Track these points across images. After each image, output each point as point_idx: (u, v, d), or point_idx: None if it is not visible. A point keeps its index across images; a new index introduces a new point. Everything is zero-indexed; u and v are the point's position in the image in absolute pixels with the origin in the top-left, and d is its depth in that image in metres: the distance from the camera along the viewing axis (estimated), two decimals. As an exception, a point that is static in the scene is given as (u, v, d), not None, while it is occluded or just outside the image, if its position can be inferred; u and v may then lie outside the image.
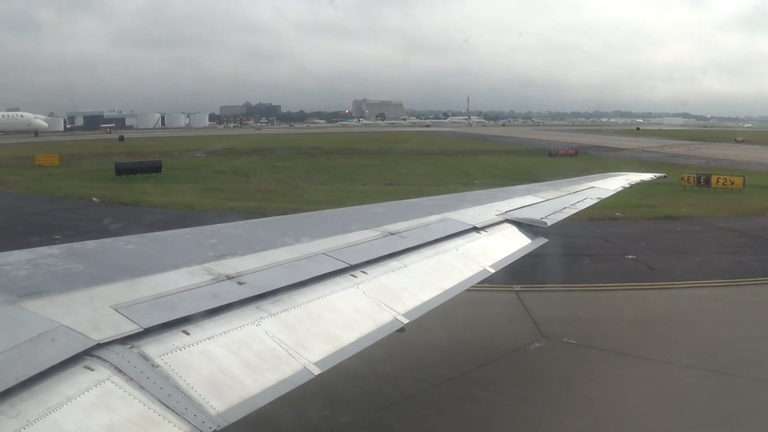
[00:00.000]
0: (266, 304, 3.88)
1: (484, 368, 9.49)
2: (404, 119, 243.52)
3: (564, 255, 16.49)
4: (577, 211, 9.04)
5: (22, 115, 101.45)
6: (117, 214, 24.18)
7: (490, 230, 6.91)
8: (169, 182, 36.00)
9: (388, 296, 4.60)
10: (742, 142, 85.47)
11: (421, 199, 9.29)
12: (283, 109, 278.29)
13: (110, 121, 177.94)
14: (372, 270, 4.89)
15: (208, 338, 3.37)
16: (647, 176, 13.68)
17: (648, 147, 72.52)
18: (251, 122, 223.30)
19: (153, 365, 2.98)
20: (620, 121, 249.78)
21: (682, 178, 31.93)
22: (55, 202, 28.19)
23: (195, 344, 3.27)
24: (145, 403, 2.75)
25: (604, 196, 10.49)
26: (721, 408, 8.39)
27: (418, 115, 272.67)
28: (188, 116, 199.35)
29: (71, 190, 31.39)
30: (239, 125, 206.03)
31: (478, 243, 6.42)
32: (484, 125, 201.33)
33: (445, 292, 5.09)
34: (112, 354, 2.94)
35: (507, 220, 7.38)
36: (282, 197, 29.41)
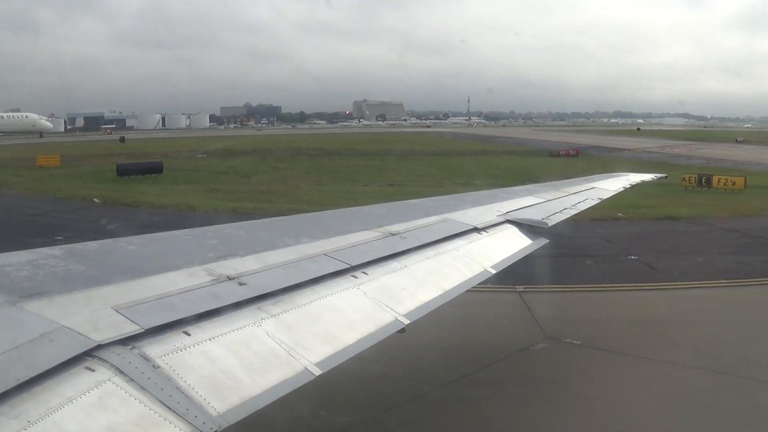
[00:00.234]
0: (267, 305, 3.88)
1: (487, 369, 9.47)
2: (404, 120, 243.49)
3: (566, 256, 16.49)
4: (578, 211, 9.03)
5: (27, 116, 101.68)
6: (119, 215, 24.21)
7: (491, 231, 6.90)
8: (171, 183, 36.03)
9: (389, 297, 4.59)
10: (742, 142, 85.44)
11: (422, 199, 9.29)
12: (284, 110, 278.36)
13: (111, 122, 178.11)
14: (373, 271, 4.89)
15: (209, 339, 3.36)
16: (648, 177, 13.66)
17: (649, 147, 72.50)
18: (252, 123, 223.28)
19: (154, 366, 2.98)
20: (621, 121, 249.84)
21: (684, 179, 31.91)
22: (57, 203, 28.21)
23: (196, 345, 3.27)
24: (146, 403, 2.75)
25: (605, 196, 10.48)
26: (724, 409, 8.37)
27: (419, 116, 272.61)
28: (189, 117, 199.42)
29: (73, 191, 31.41)
30: (240, 126, 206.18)
31: (478, 244, 6.41)
32: (485, 126, 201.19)
33: (446, 292, 5.09)
34: (113, 355, 2.94)
35: (508, 221, 7.36)
36: (283, 198, 29.43)
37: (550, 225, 7.65)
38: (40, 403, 2.53)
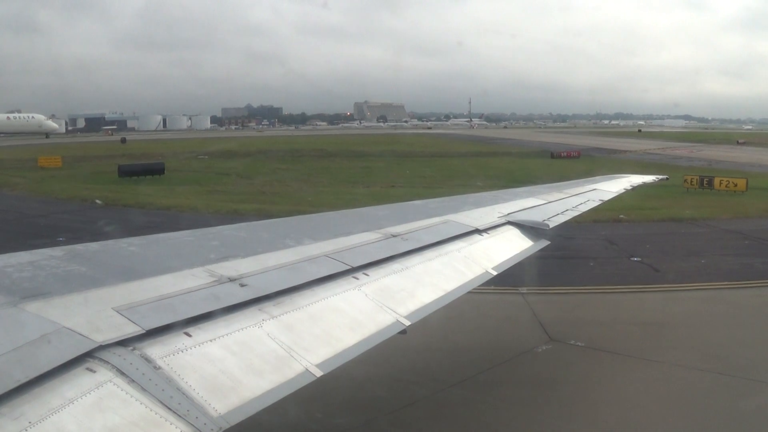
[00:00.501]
0: (268, 306, 3.87)
1: (491, 371, 9.45)
2: (406, 121, 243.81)
3: (569, 257, 16.48)
4: (580, 213, 9.01)
5: (33, 117, 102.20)
6: (120, 216, 24.25)
7: (493, 232, 6.88)
8: (172, 184, 36.06)
9: (390, 298, 4.58)
10: (743, 144, 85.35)
11: (423, 201, 9.27)
12: (285, 111, 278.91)
13: (112, 123, 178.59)
14: (374, 272, 4.87)
15: (210, 340, 3.36)
16: (649, 178, 13.63)
17: (650, 149, 72.52)
18: (253, 124, 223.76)
19: (155, 367, 2.97)
20: (622, 123, 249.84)
21: (685, 180, 31.87)
22: (59, 204, 28.26)
23: (197, 346, 3.26)
24: (147, 404, 2.74)
25: (607, 198, 10.46)
26: (729, 410, 8.34)
27: (420, 118, 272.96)
28: (190, 118, 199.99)
29: (74, 192, 31.45)
30: (241, 127, 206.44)
31: (480, 245, 6.40)
32: (486, 127, 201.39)
33: (448, 294, 5.07)
34: (114, 356, 2.93)
35: (509, 222, 7.34)
36: (284, 199, 29.44)
37: (551, 226, 7.63)
38: (41, 404, 2.52)
